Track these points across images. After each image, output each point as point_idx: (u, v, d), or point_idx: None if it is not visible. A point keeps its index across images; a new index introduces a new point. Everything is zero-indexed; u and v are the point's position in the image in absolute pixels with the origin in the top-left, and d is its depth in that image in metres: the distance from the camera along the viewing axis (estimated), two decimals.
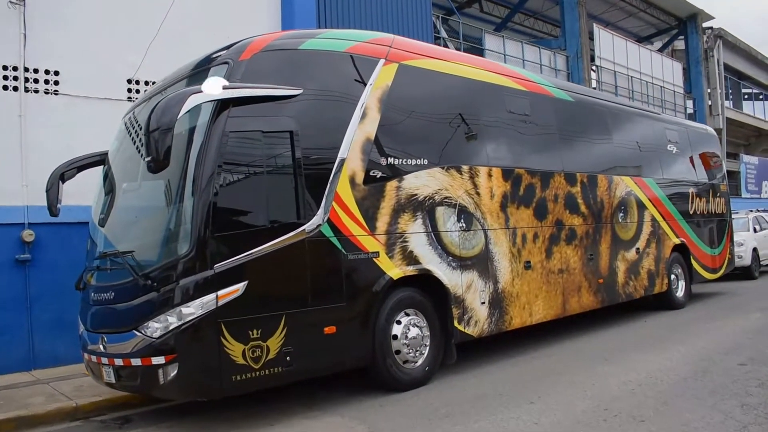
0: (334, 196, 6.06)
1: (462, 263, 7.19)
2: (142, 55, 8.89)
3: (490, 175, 7.69)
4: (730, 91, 32.99)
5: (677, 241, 11.52)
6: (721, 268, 13.18)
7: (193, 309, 5.10)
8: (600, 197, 9.61)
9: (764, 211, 19.41)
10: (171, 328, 5.09)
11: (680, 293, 11.65)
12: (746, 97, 36.94)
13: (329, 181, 6.06)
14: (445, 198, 7.11)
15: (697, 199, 12.46)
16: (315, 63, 6.30)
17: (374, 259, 6.33)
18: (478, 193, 7.50)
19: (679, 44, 28.69)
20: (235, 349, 5.20)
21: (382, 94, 6.70)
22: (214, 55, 6.04)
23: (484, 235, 7.51)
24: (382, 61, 6.77)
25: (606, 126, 10.25)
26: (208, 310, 5.12)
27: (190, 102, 5.14)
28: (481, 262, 7.44)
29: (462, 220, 7.27)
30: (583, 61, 18.99)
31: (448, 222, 7.11)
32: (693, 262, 12.00)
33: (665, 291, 11.09)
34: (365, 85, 6.55)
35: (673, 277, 11.41)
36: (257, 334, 5.34)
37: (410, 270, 6.64)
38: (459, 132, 7.48)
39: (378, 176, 6.48)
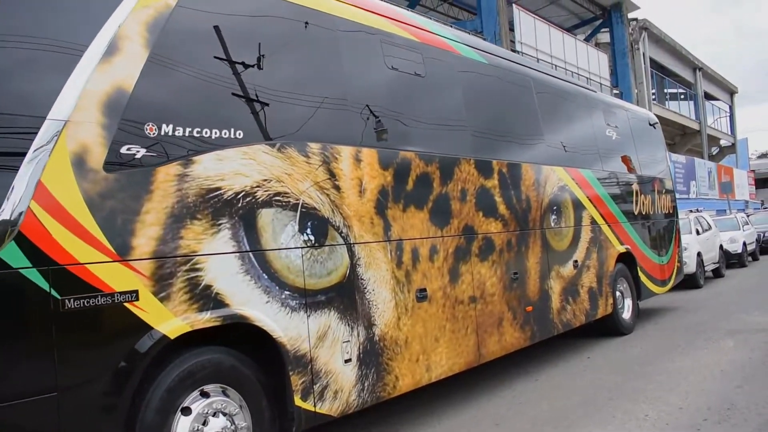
0: (34, 189, 3.20)
1: (309, 300, 4.43)
2: None
3: (358, 160, 4.97)
4: (653, 90, 31.54)
5: (622, 249, 9.10)
6: (670, 280, 10.89)
7: None
8: (526, 194, 7.04)
9: (697, 211, 17.42)
10: None
11: (627, 314, 9.24)
12: (668, 97, 35.81)
13: (23, 164, 3.20)
14: (278, 195, 4.33)
15: (642, 196, 10.12)
16: None
17: (127, 305, 3.49)
18: (337, 188, 4.76)
19: (603, 37, 26.96)
20: None
21: (155, 18, 3.88)
22: None
23: (348, 253, 4.77)
24: None
25: (532, 100, 7.70)
26: None
27: None
28: (344, 296, 4.70)
29: (308, 231, 4.51)
30: (503, 45, 16.64)
31: (281, 234, 4.33)
32: (640, 274, 9.62)
33: (610, 313, 8.63)
34: None
35: (618, 294, 8.98)
36: None
37: (207, 319, 3.83)
38: (305, 91, 4.73)
39: (138, 156, 3.65)
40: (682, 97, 36.65)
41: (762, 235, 23.74)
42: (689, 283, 14.35)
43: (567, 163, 8.08)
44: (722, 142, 42.83)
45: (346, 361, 4.62)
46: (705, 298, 12.71)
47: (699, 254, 14.89)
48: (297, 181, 4.46)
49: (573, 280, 7.74)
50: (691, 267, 14.24)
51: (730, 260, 18.91)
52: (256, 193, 4.19)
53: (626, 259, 9.27)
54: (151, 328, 3.57)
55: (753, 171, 47.02)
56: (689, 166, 30.67)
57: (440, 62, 6.27)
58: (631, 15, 26.28)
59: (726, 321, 9.41)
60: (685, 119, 33.47)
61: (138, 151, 3.65)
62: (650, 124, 11.36)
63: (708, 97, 38.19)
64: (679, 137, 34.86)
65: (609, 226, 8.83)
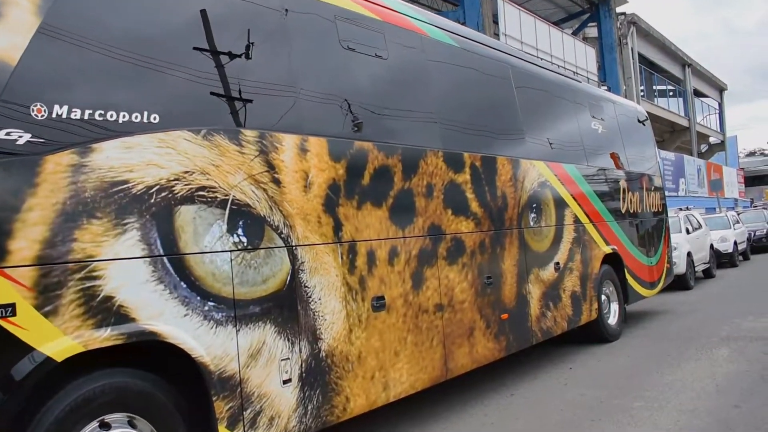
0: None
1: (240, 312, 3.80)
2: None
3: (304, 150, 4.34)
4: (642, 86, 30.97)
5: (608, 249, 8.52)
6: (659, 282, 10.32)
7: None
8: (502, 190, 6.44)
9: (687, 209, 16.87)
10: None
11: (613, 320, 8.65)
12: (657, 93, 35.31)
13: None
14: (202, 190, 3.70)
15: (630, 193, 9.54)
16: None
17: (1, 321, 2.86)
18: (277, 182, 4.13)
19: (591, 32, 26.39)
20: None
21: None
22: None
23: (289, 257, 4.14)
24: None
25: (509, 88, 7.09)
26: None
27: None
28: (284, 307, 4.07)
29: (240, 231, 3.88)
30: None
31: (205, 235, 3.70)
32: (628, 276, 9.04)
33: (595, 319, 8.05)
34: None
35: (603, 298, 8.40)
36: None
37: (106, 337, 3.19)
38: (240, 70, 4.09)
39: (20, 142, 3.01)
40: (671, 94, 36.18)
41: (752, 233, 23.30)
42: (679, 284, 13.83)
43: (548, 158, 7.49)
44: (711, 140, 42.42)
45: (285, 382, 4.00)
46: (696, 300, 12.16)
47: (689, 254, 14.35)
48: (227, 173, 3.83)
49: (554, 283, 7.15)
50: (681, 267, 13.71)
51: (721, 260, 18.42)
52: (174, 187, 3.56)
53: (612, 260, 8.69)
54: (33, 349, 2.94)
55: (742, 169, 46.71)
56: (678, 164, 30.21)
57: (405, 44, 5.65)
58: (619, 9, 25.72)
59: (719, 326, 8.85)
60: (674, 116, 33.00)
61: (20, 137, 3.01)
62: (639, 121, 10.79)
63: (697, 94, 37.76)
64: (668, 134, 34.39)
65: (594, 225, 8.25)
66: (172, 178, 3.55)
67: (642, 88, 29.40)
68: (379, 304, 4.72)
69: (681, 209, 16.12)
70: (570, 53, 21.40)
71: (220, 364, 3.64)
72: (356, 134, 4.80)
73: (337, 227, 4.49)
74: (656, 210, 10.59)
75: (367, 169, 4.82)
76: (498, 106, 6.90)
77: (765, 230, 24.32)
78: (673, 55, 32.53)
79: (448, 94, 6.09)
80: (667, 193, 29.45)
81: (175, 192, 3.56)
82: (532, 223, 6.88)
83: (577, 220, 7.84)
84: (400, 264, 4.98)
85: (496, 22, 18.30)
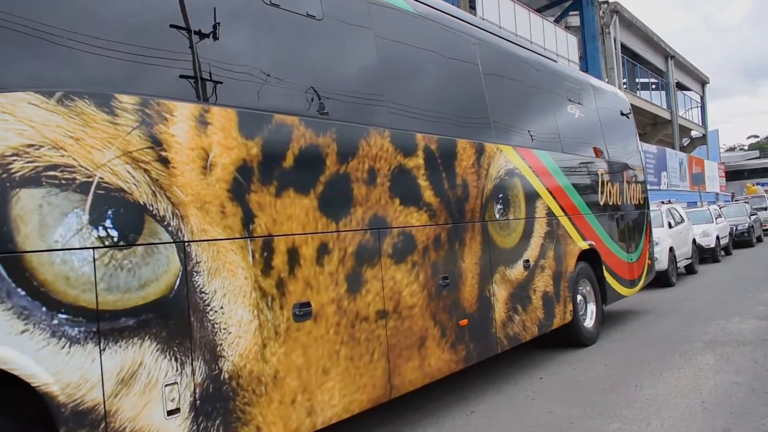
0: None
1: (105, 326, 2.96)
2: None
3: (204, 123, 3.50)
4: (625, 78, 30.26)
5: (584, 245, 7.76)
6: (640, 280, 9.60)
7: None
8: (462, 177, 5.64)
9: (669, 203, 16.14)
10: None
11: (590, 322, 7.91)
12: (640, 86, 34.68)
13: None
14: (54, 169, 2.85)
15: (609, 185, 8.79)
16: None
17: None
18: (165, 161, 3.28)
19: (573, 21, 25.70)
20: None
21: None
22: None
23: (179, 256, 3.29)
24: None
25: (474, 64, 6.28)
26: None
27: None
28: (170, 318, 3.23)
29: (107, 223, 3.03)
30: None
31: (57, 228, 2.84)
32: (606, 274, 8.30)
33: (569, 322, 7.29)
34: None
35: (579, 299, 7.65)
36: None
37: None
38: (116, 19, 3.25)
39: None
40: (654, 87, 35.59)
41: (735, 228, 22.74)
42: (661, 281, 13.17)
43: (519, 143, 6.70)
44: (693, 133, 42.03)
45: (171, 413, 3.16)
46: (678, 298, 11.47)
47: (671, 249, 13.68)
48: (92, 149, 2.99)
49: (523, 283, 6.38)
50: (662, 263, 13.04)
51: (703, 255, 17.81)
52: (10, 165, 2.71)
53: (590, 257, 7.94)
54: None
55: (723, 163, 46.41)
56: (660, 157, 29.65)
57: (346, 4, 4.82)
58: None
59: (703, 329, 8.13)
60: (656, 108, 32.46)
61: None
62: (623, 114, 10.04)
63: (680, 87, 37.26)
64: (650, 127, 33.86)
65: (569, 218, 7.48)
66: (7, 154, 2.70)
67: (624, 81, 28.74)
68: (303, 312, 3.91)
69: (663, 202, 15.44)
70: (551, 41, 20.70)
71: (75, 393, 2.81)
72: (277, 106, 3.97)
73: (248, 219, 3.66)
74: (637, 203, 9.87)
75: (290, 148, 3.99)
76: (460, 84, 6.10)
77: (747, 225, 23.77)
78: (656, 46, 31.94)
79: (399, 66, 5.27)
80: (649, 187, 28.97)
81: (12, 172, 2.71)
82: (498, 216, 6.10)
83: (550, 213, 7.07)
84: (332, 264, 4.17)
85: (473, 6, 17.53)
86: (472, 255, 5.62)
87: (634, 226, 9.55)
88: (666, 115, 33.63)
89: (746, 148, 76.97)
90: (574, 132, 8.15)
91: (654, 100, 33.15)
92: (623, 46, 27.59)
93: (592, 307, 7.96)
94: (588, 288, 7.94)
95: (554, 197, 7.20)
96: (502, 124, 6.49)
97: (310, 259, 4.01)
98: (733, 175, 51.13)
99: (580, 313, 7.65)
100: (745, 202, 27.07)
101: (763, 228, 27.76)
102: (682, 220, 15.65)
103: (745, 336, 7.49)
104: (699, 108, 42.13)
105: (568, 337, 7.48)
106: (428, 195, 5.15)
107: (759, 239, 25.67)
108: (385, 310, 4.54)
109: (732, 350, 6.80)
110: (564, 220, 7.35)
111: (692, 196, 30.08)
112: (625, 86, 28.24)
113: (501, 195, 6.18)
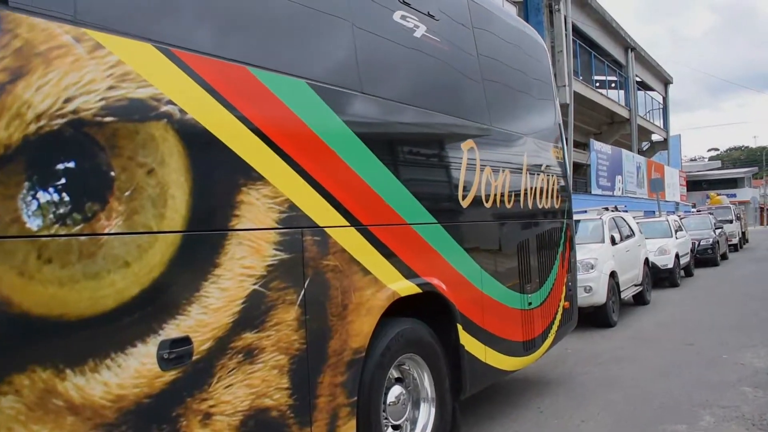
0: None
1: None
2: None
3: None
4: (580, 77, 26.39)
5: (404, 287, 3.69)
6: (546, 337, 5.62)
7: None
8: None
9: (615, 210, 12.15)
10: None
11: None
12: (597, 84, 30.95)
13: None
14: None
15: (488, 172, 4.77)
16: None
17: None
18: None
19: None
20: None
21: None
22: None
23: None
24: None
25: None
26: None
27: None
28: None
29: None
30: None
31: None
32: (466, 339, 4.27)
33: None
34: None
35: (393, 399, 3.61)
36: None
37: None
38: None
39: None
40: (613, 86, 31.94)
41: (697, 243, 19.06)
42: (598, 318, 9.37)
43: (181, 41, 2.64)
44: (654, 137, 38.72)
45: None
46: (614, 355, 7.52)
47: (613, 274, 9.76)
48: None
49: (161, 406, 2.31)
50: (599, 296, 9.15)
51: (660, 276, 14.08)
52: None
53: (427, 308, 3.93)
54: None
55: (684, 172, 43.37)
56: (616, 158, 26.09)
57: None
58: None
59: (659, 418, 4.18)
60: (613, 104, 28.86)
61: None
62: (529, 56, 6.08)
63: (641, 86, 33.80)
64: (606, 126, 30.30)
65: (365, 230, 3.44)
66: None
67: (580, 78, 24.99)
68: None
69: (607, 209, 11.51)
70: None
71: None
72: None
73: None
74: (548, 208, 5.88)
75: None
76: None
77: (711, 239, 20.12)
78: (615, 35, 28.31)
79: None
80: (601, 192, 24.99)
81: None
82: (49, 222, 2.01)
83: (290, 219, 3.01)
84: None
85: None
86: None
87: (539, 247, 5.56)
88: (624, 113, 30.08)
89: (707, 159, 75.61)
90: (405, 64, 4.10)
91: (611, 96, 29.53)
92: (576, 30, 23.86)
93: (424, 417, 3.92)
94: (419, 374, 3.90)
95: (316, 181, 3.15)
96: None
97: None
98: (693, 185, 48.27)
99: None
100: (709, 213, 23.50)
101: (729, 243, 24.30)
102: (632, 234, 11.81)
103: None
104: (661, 110, 38.80)
105: None
106: None
107: (724, 256, 22.13)
108: None
109: None
110: (345, 236, 3.30)
111: (650, 204, 26.60)
112: (577, 76, 24.50)
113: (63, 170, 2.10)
